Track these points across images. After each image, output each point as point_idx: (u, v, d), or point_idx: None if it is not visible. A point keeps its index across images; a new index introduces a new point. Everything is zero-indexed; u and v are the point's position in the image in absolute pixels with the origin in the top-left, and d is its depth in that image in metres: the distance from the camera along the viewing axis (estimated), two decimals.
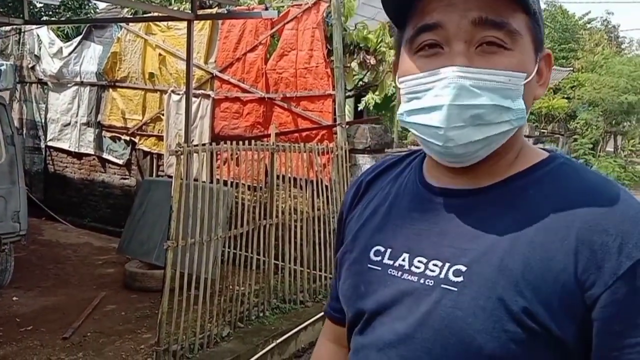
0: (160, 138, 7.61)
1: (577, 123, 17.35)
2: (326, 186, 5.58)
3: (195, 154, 4.38)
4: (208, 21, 6.81)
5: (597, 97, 16.75)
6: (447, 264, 0.85)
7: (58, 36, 9.41)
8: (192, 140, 6.64)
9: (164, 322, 3.98)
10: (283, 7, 6.54)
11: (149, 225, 5.77)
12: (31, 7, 8.82)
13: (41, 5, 11.88)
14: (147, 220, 5.83)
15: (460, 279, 0.83)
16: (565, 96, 17.92)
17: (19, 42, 9.36)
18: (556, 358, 0.80)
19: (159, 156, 7.71)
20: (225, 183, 4.74)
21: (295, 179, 5.44)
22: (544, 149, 0.94)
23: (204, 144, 5.86)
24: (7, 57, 9.45)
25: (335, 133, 5.99)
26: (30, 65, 9.18)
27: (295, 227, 5.29)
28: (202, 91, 7.04)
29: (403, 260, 0.90)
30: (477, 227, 0.86)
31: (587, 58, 21.37)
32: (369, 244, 0.96)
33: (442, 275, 0.85)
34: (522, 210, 0.85)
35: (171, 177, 6.40)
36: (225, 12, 6.43)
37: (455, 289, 0.83)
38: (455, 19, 0.82)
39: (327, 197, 5.57)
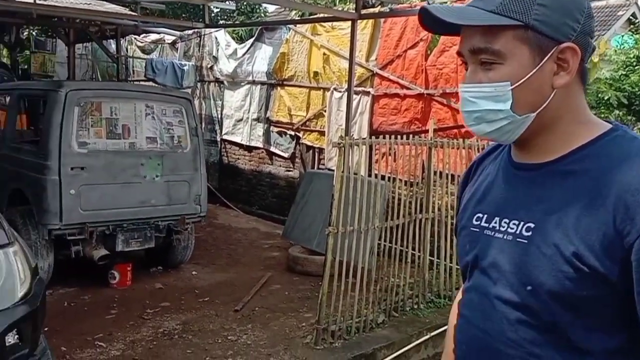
0: (322, 133, 8.03)
1: None
2: None
3: (355, 147, 4.62)
4: (370, 20, 7.04)
5: None
6: (522, 223, 1.12)
7: (233, 38, 10.27)
8: (352, 135, 6.92)
9: (324, 304, 4.26)
10: (446, 2, 6.55)
11: (310, 214, 6.15)
12: (209, 11, 9.75)
13: (218, 10, 13.02)
14: (309, 209, 6.21)
15: (530, 233, 1.09)
16: None
17: (200, 44, 10.38)
18: (603, 291, 1.02)
19: (320, 150, 8.14)
20: (382, 177, 4.91)
21: (452, 176, 5.44)
22: (608, 121, 1.14)
23: (364, 138, 6.09)
24: (190, 59, 10.54)
25: None
26: (208, 66, 10.13)
27: (452, 224, 5.30)
28: (363, 88, 7.29)
29: (495, 222, 1.17)
30: (543, 192, 1.11)
31: None
32: (472, 213, 1.24)
33: (517, 232, 1.12)
34: (578, 177, 1.08)
35: (331, 170, 6.75)
36: (388, 10, 6.61)
37: (526, 241, 1.10)
38: (465, 50, 1.12)
39: None
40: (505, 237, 1.13)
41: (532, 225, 1.09)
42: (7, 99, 6.49)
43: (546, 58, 1.07)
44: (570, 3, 1.08)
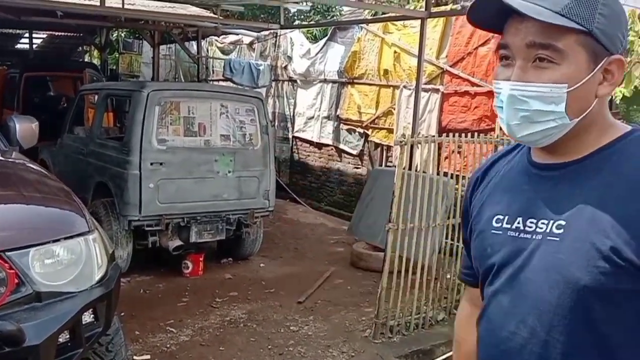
0: (390, 131, 8.08)
1: None
2: None
3: (419, 145, 4.66)
4: (442, 18, 7.01)
5: None
6: (551, 221, 1.10)
7: (307, 38, 10.48)
8: (419, 133, 6.93)
9: (383, 299, 4.33)
10: None
11: (376, 210, 6.21)
12: (286, 12, 9.96)
13: (295, 10, 13.27)
14: (374, 206, 6.28)
15: (561, 231, 1.08)
16: None
17: (275, 44, 10.68)
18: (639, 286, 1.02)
19: (389, 147, 8.19)
20: (450, 176, 4.91)
21: None
22: (629, 124, 1.14)
23: (426, 136, 6.09)
24: (265, 58, 10.86)
25: None
26: (283, 65, 10.41)
27: None
28: (432, 86, 7.28)
29: (518, 223, 1.15)
30: (572, 190, 1.10)
31: None
32: (491, 215, 1.21)
33: (547, 230, 1.10)
34: (607, 173, 1.08)
35: None
36: (459, 8, 6.56)
37: (558, 239, 1.08)
38: (517, 42, 1.08)
39: None
40: (533, 237, 1.11)
41: (563, 222, 1.07)
42: (96, 98, 7.00)
43: (599, 66, 1.08)
44: (622, 17, 1.10)
